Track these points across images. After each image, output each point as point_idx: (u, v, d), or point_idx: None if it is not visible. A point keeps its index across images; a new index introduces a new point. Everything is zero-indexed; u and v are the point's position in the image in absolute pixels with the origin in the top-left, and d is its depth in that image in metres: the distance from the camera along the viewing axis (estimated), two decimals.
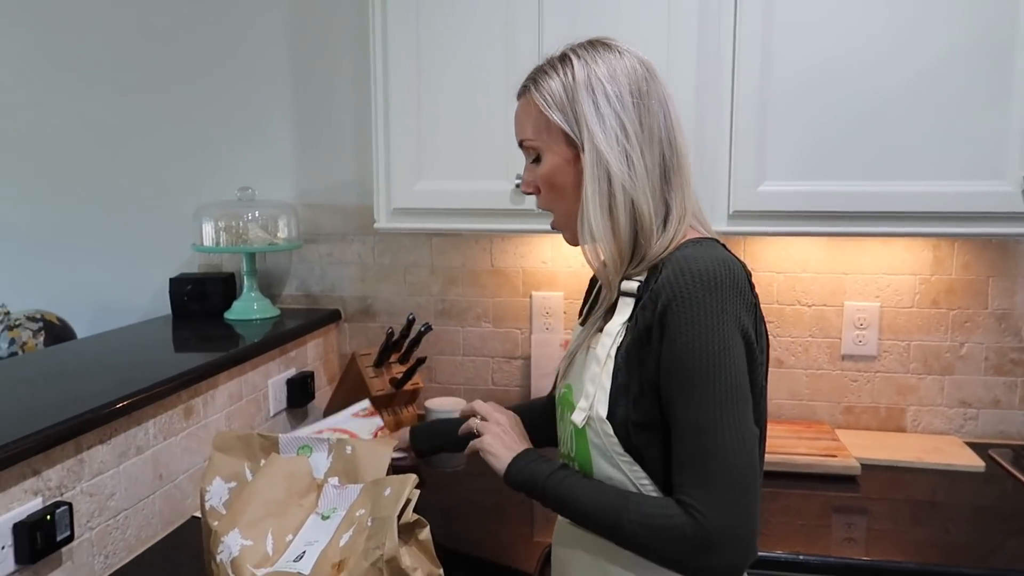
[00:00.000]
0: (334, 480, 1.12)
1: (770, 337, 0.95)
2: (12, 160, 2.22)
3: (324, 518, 1.05)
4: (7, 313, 2.00)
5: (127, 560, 1.28)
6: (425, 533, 0.99)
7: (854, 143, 1.50)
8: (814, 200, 1.52)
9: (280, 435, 1.20)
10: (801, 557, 1.31)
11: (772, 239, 1.85)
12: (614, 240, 0.95)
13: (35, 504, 1.08)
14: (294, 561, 0.98)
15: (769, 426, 1.79)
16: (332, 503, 1.07)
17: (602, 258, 0.97)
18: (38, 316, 2.00)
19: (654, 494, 0.93)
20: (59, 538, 1.10)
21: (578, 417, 0.97)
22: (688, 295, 0.87)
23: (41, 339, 1.96)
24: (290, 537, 1.02)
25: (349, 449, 1.20)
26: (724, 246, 0.97)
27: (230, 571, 0.98)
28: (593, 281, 1.19)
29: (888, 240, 1.81)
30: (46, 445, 1.09)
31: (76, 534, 1.16)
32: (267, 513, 1.03)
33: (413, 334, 1.83)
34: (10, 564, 1.04)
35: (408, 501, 0.97)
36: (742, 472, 0.86)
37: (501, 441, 1.05)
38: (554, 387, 1.28)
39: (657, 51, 1.54)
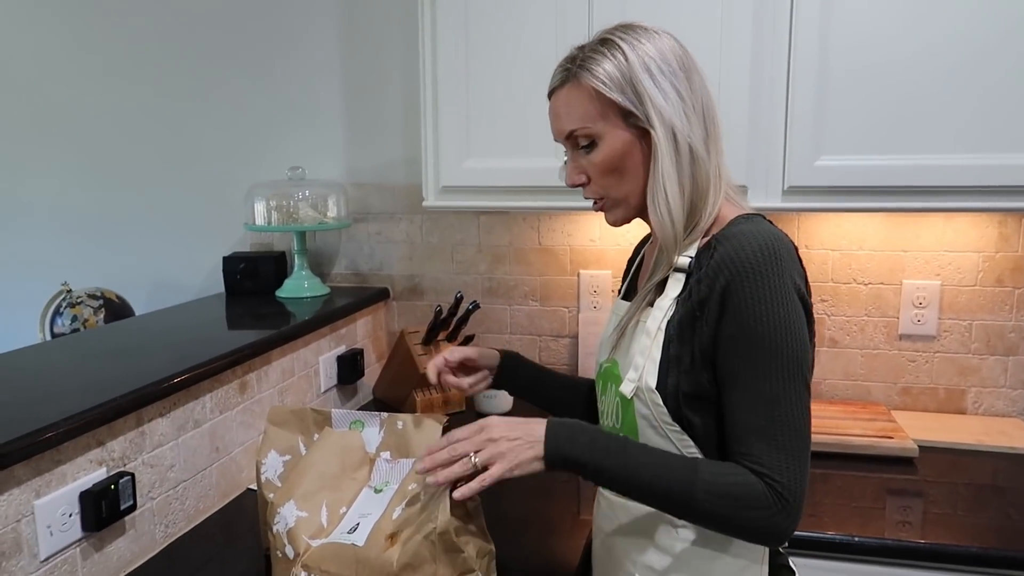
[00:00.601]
0: (386, 454, 1.13)
1: (824, 316, 0.94)
2: (73, 144, 2.28)
3: (377, 491, 1.06)
4: (69, 291, 2.07)
5: (186, 530, 1.32)
6: (477, 509, 1.00)
7: (916, 115, 1.45)
8: (873, 175, 1.48)
9: (332, 410, 1.22)
10: (856, 539, 1.29)
11: (827, 216, 1.81)
12: (683, 210, 0.96)
13: (100, 474, 1.12)
14: (348, 533, 0.99)
15: (823, 406, 1.78)
16: (385, 477, 1.08)
17: (671, 228, 0.96)
18: (98, 294, 2.06)
19: None
20: (123, 507, 1.14)
21: (627, 388, 0.97)
22: (753, 270, 0.89)
23: (101, 316, 2.02)
24: (344, 509, 1.03)
25: (401, 424, 1.21)
26: (770, 221, 0.98)
27: (286, 541, 1.00)
28: (632, 257, 1.19)
29: (950, 216, 1.75)
30: (110, 417, 1.12)
31: (138, 503, 1.20)
32: (322, 486, 1.04)
33: (461, 312, 1.84)
34: (77, 531, 1.08)
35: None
36: (807, 441, 0.90)
37: (517, 443, 0.91)
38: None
39: (711, 28, 1.51)
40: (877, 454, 1.58)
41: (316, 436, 1.22)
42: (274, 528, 1.01)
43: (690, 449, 0.95)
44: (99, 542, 1.13)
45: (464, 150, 1.68)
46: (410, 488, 1.00)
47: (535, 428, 0.92)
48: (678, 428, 0.95)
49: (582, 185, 1.03)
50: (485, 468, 0.89)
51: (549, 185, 1.63)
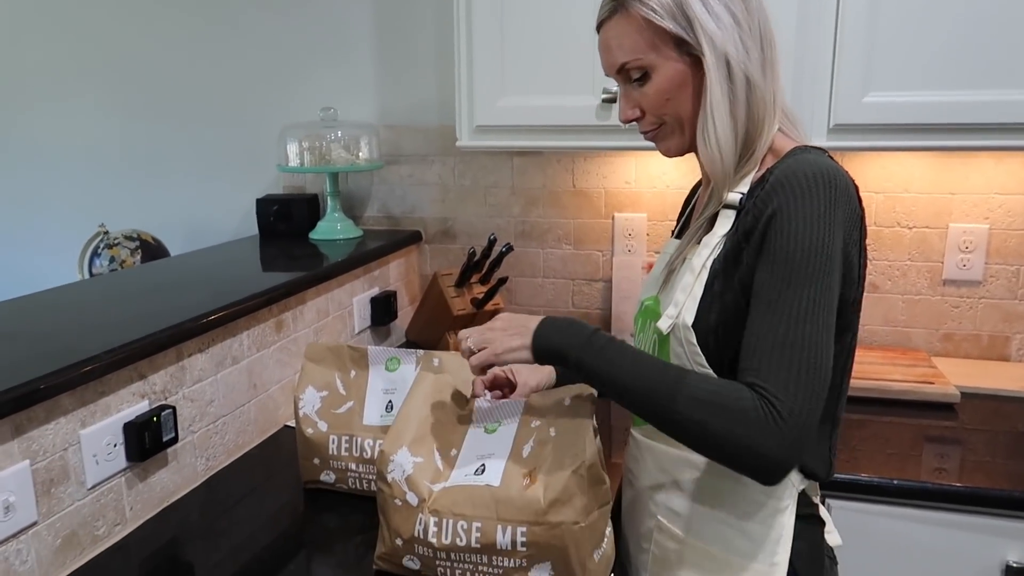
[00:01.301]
0: (486, 395, 1.12)
1: (868, 261, 0.92)
2: (107, 86, 2.28)
3: (489, 431, 1.01)
4: (106, 232, 2.09)
5: (226, 463, 1.34)
6: (598, 440, 0.98)
7: (969, 48, 1.38)
8: (924, 111, 1.42)
9: (369, 346, 1.22)
10: (895, 482, 1.27)
11: (873, 156, 1.75)
12: (735, 142, 0.93)
13: (142, 406, 1.14)
14: (476, 475, 0.96)
15: (862, 352, 1.75)
16: (495, 416, 1.03)
17: (720, 162, 0.93)
18: (135, 235, 2.08)
19: None
20: (165, 439, 1.16)
21: (663, 324, 0.95)
22: (802, 192, 0.86)
23: (138, 257, 2.04)
24: (454, 452, 1.01)
25: (436, 361, 1.21)
26: (830, 156, 0.94)
27: (406, 488, 0.96)
28: (689, 197, 1.16)
29: (1002, 156, 1.68)
30: (150, 351, 1.14)
31: (180, 436, 1.22)
32: (428, 431, 1.02)
33: (494, 254, 1.83)
34: (122, 461, 1.11)
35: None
36: (823, 373, 0.83)
37: (506, 332, 0.96)
38: None
39: None
40: (917, 399, 1.55)
41: (353, 373, 1.23)
42: (389, 476, 0.97)
43: None
44: (143, 472, 1.15)
45: (499, 88, 1.64)
46: (533, 425, 0.98)
47: (530, 321, 0.95)
48: (710, 370, 0.92)
49: (636, 120, 0.98)
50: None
51: (586, 124, 1.61)
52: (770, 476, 0.83)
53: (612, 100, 1.56)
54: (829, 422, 0.97)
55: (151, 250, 2.08)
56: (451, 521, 0.92)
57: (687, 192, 1.19)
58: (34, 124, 2.36)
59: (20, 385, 0.93)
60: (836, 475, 1.27)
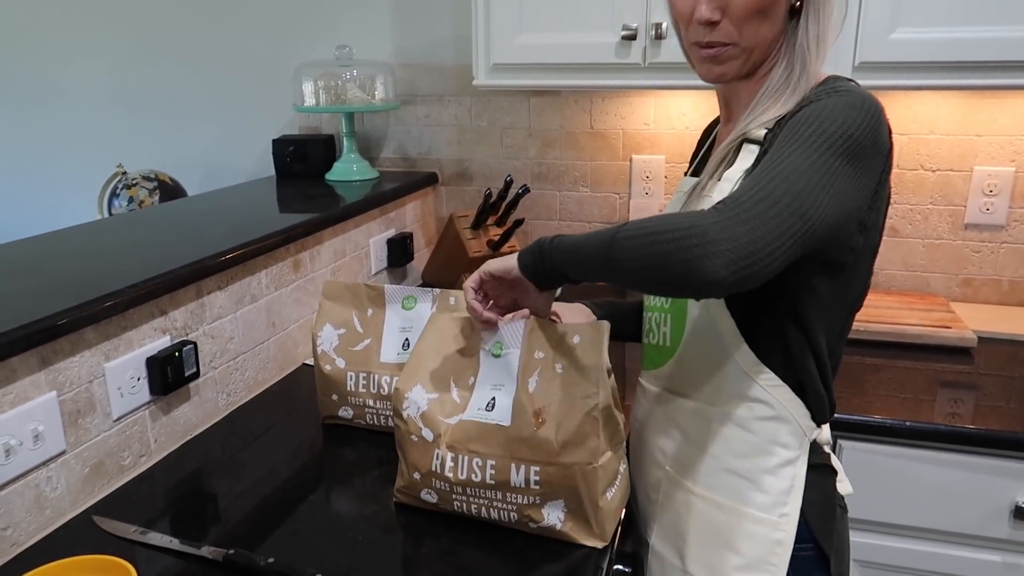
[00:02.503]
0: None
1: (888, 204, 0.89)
2: (124, 27, 2.26)
3: (495, 356, 0.99)
4: (125, 173, 2.10)
5: (247, 399, 1.37)
6: (613, 380, 0.96)
7: None
8: (953, 48, 1.38)
9: (386, 285, 1.23)
10: (908, 424, 1.28)
11: (898, 96, 1.71)
12: (821, 63, 0.88)
13: (164, 341, 1.16)
14: (487, 411, 0.96)
15: (879, 296, 1.74)
16: (496, 338, 1.00)
17: (806, 82, 0.87)
18: (152, 176, 2.09)
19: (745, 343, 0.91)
20: (187, 374, 1.18)
21: None
22: (831, 93, 0.82)
23: (156, 197, 2.05)
24: (472, 379, 1.00)
25: (452, 300, 1.22)
26: None
27: (421, 424, 0.97)
28: (703, 137, 1.13)
29: None
30: (171, 287, 1.15)
31: (201, 372, 1.24)
32: (442, 366, 1.01)
33: (511, 196, 1.82)
34: (145, 394, 1.13)
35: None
36: (800, 219, 0.73)
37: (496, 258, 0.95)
38: None
39: None
40: (933, 343, 1.55)
41: (370, 311, 1.24)
42: (404, 413, 0.98)
43: (736, 338, 0.91)
44: (166, 406, 1.18)
45: (517, 24, 1.61)
46: (537, 356, 0.94)
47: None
48: (726, 311, 0.90)
49: (713, 23, 0.88)
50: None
51: (605, 62, 1.58)
52: (709, 279, 0.71)
53: (632, 37, 1.53)
54: (825, 362, 0.93)
55: (169, 190, 2.09)
56: (466, 457, 0.94)
57: None
58: (52, 67, 2.35)
59: (45, 318, 0.95)
60: (850, 416, 1.28)
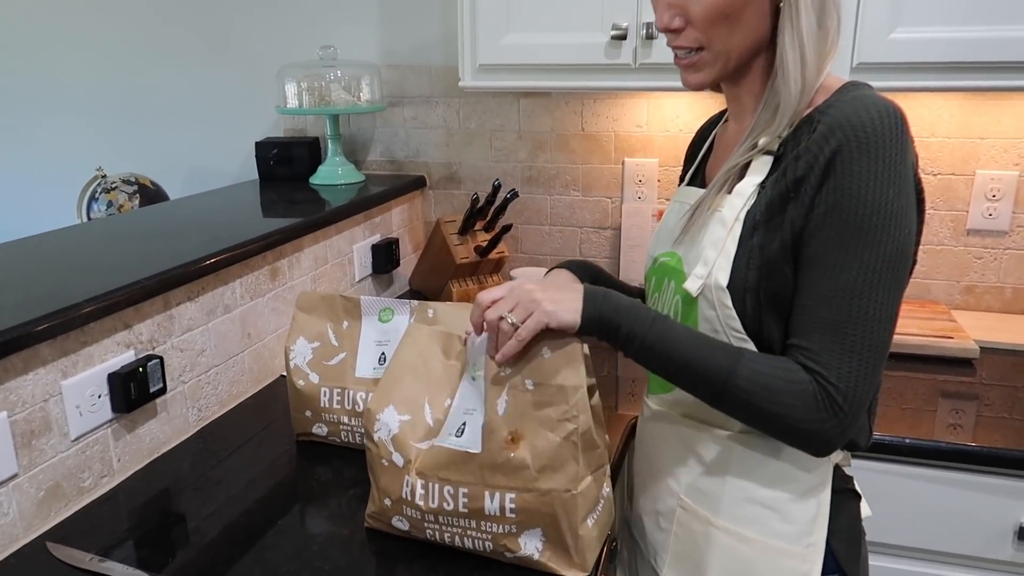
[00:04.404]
0: (473, 334, 0.96)
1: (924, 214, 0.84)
2: (103, 28, 2.20)
3: (474, 379, 0.93)
4: (104, 176, 2.04)
5: (220, 413, 1.32)
6: (596, 399, 0.92)
7: None
8: (955, 49, 1.33)
9: (362, 297, 1.18)
10: (908, 441, 1.23)
11: (898, 97, 1.64)
12: (817, 69, 0.82)
13: (128, 356, 1.11)
14: (456, 436, 0.89)
15: None
16: (473, 358, 0.94)
17: (797, 98, 0.82)
18: (132, 179, 2.03)
19: None
20: (152, 390, 1.13)
21: (692, 285, 0.86)
22: (870, 137, 0.75)
23: (136, 201, 2.00)
24: (448, 402, 0.94)
25: (431, 312, 1.16)
26: None
27: (392, 448, 0.91)
28: (697, 139, 1.08)
29: None
30: (135, 299, 1.10)
31: (169, 387, 1.19)
32: (419, 383, 0.95)
33: (499, 201, 1.77)
34: (107, 412, 1.08)
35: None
36: (882, 348, 0.78)
37: (549, 291, 0.84)
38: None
39: None
40: (935, 354, 1.50)
41: (346, 324, 1.19)
42: (375, 436, 0.93)
43: None
44: (131, 423, 1.13)
45: (503, 24, 1.56)
46: (503, 374, 0.86)
47: (571, 285, 0.89)
48: (745, 335, 0.83)
49: (675, 31, 0.84)
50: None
51: (594, 63, 1.53)
52: (823, 453, 0.82)
53: (622, 37, 1.48)
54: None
55: (149, 194, 2.03)
56: (437, 485, 0.88)
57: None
58: (31, 68, 2.30)
59: None
60: None
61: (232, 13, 2.08)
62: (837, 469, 0.90)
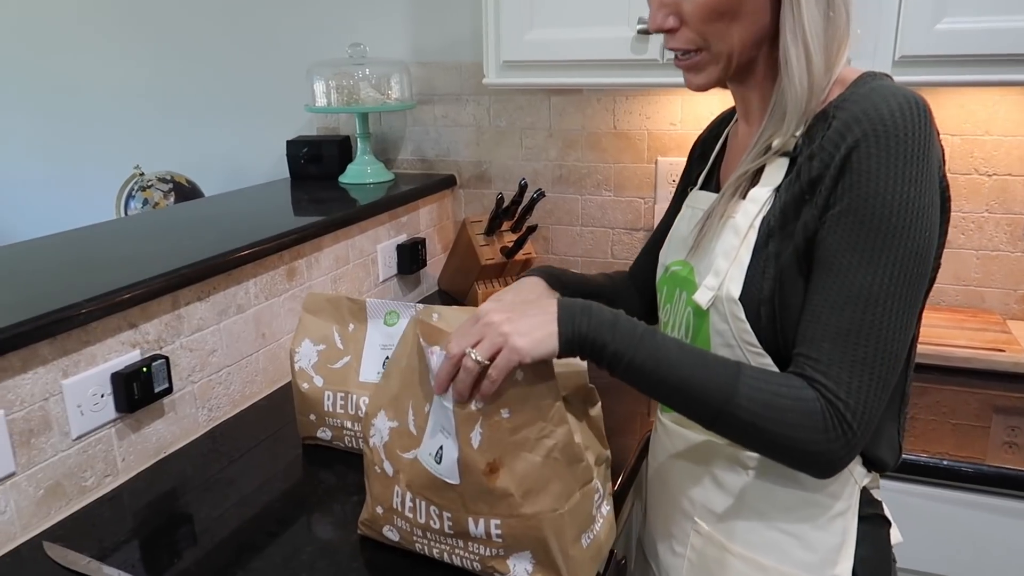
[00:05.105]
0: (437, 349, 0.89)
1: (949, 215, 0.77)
2: (141, 31, 2.24)
3: (445, 405, 0.83)
4: (141, 174, 2.07)
5: (232, 414, 1.31)
6: (596, 410, 0.87)
7: None
8: (1008, 39, 1.23)
9: (368, 299, 1.15)
10: (944, 463, 1.14)
11: (949, 93, 1.55)
12: (824, 65, 0.76)
13: (133, 356, 1.10)
14: (435, 462, 0.83)
15: (926, 314, 1.57)
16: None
17: (804, 98, 0.76)
18: (168, 177, 2.06)
19: None
20: (157, 390, 1.12)
21: (702, 297, 0.81)
22: (889, 131, 0.69)
23: (171, 199, 2.02)
24: (427, 407, 0.87)
25: (436, 316, 1.13)
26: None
27: (384, 456, 0.88)
28: (706, 136, 1.02)
29: None
30: (141, 299, 1.10)
31: (176, 387, 1.18)
32: (405, 387, 0.89)
33: (525, 201, 1.73)
34: (111, 412, 1.08)
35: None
36: (896, 361, 0.72)
37: (518, 323, 0.74)
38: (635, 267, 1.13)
39: None
40: (985, 368, 1.40)
41: (351, 327, 1.16)
42: (371, 442, 0.90)
43: None
44: (136, 423, 1.13)
45: (527, 20, 1.52)
46: (473, 408, 0.78)
47: (543, 304, 0.76)
48: (760, 349, 0.78)
49: (669, 31, 0.79)
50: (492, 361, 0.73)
51: (620, 58, 1.47)
52: (828, 475, 0.75)
53: (648, 32, 1.41)
54: (897, 399, 0.83)
55: (185, 192, 2.06)
56: (423, 502, 0.85)
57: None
58: (75, 72, 2.35)
59: None
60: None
61: (265, 12, 2.09)
62: (864, 492, 0.84)
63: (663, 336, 0.76)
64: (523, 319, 0.74)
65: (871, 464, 0.83)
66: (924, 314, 1.47)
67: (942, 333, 1.50)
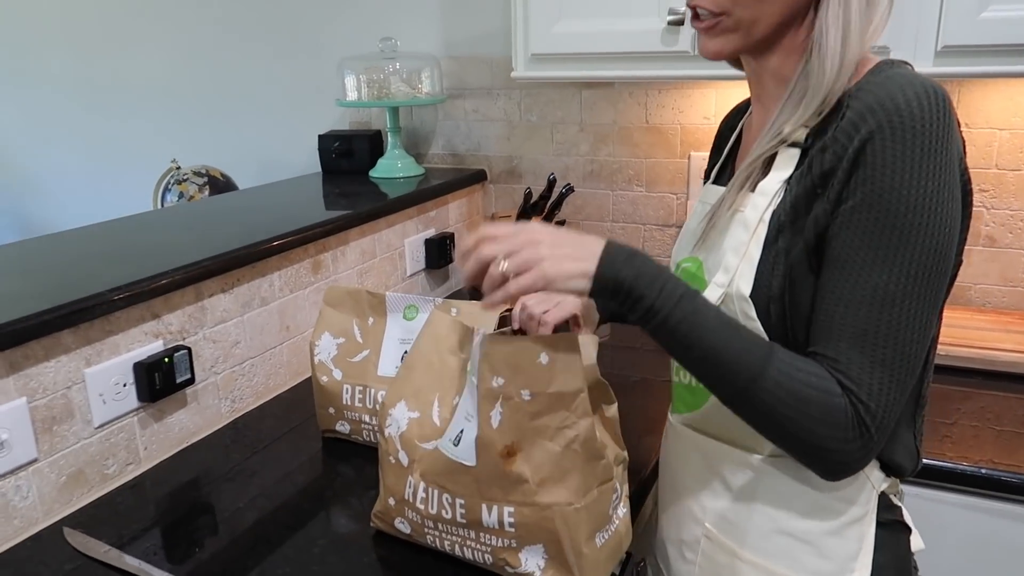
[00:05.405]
0: (481, 328, 0.92)
1: (982, 209, 0.73)
2: (177, 27, 2.27)
3: (474, 382, 0.85)
4: (178, 168, 2.10)
5: (255, 405, 1.32)
6: (612, 410, 0.85)
7: None
8: None
9: (387, 293, 1.15)
10: (983, 471, 1.09)
11: (996, 84, 1.49)
12: (860, 45, 0.72)
13: (156, 346, 1.11)
14: (454, 444, 0.83)
15: (970, 315, 1.53)
16: (474, 358, 0.87)
17: (834, 79, 0.72)
18: (203, 171, 2.09)
19: None
20: (179, 380, 1.13)
21: (712, 294, 0.78)
22: (906, 120, 0.66)
23: (206, 193, 2.05)
24: (456, 399, 0.88)
25: (455, 311, 1.12)
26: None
27: (399, 445, 0.88)
28: (725, 131, 0.98)
29: None
30: (163, 290, 1.11)
31: (199, 378, 1.19)
32: (429, 379, 0.90)
33: (554, 196, 1.70)
34: (133, 401, 1.09)
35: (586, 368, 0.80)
36: (915, 363, 0.69)
37: (558, 250, 0.71)
38: None
39: None
40: None
41: (371, 320, 1.16)
42: (387, 432, 0.90)
43: None
44: (159, 412, 1.14)
45: (555, 11, 1.49)
46: (495, 384, 0.78)
47: (589, 241, 0.72)
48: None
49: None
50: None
51: (650, 51, 1.44)
52: (835, 477, 0.73)
53: (679, 23, 1.38)
54: (913, 402, 0.80)
55: (219, 186, 2.08)
56: (436, 491, 0.84)
57: None
58: (114, 69, 2.39)
59: (14, 321, 0.92)
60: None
61: (298, 10, 2.10)
62: (883, 498, 0.80)
63: (704, 300, 0.72)
64: (564, 248, 0.71)
65: (888, 469, 0.80)
66: (968, 316, 1.40)
67: (987, 336, 1.43)
